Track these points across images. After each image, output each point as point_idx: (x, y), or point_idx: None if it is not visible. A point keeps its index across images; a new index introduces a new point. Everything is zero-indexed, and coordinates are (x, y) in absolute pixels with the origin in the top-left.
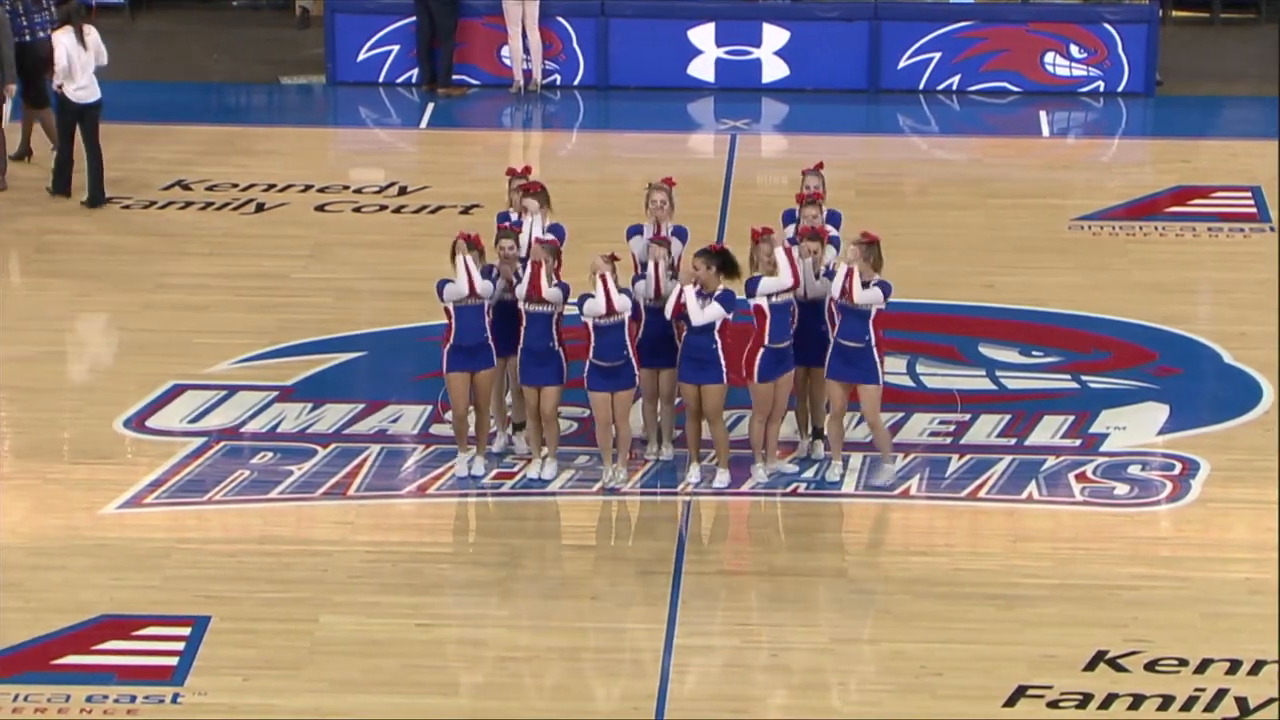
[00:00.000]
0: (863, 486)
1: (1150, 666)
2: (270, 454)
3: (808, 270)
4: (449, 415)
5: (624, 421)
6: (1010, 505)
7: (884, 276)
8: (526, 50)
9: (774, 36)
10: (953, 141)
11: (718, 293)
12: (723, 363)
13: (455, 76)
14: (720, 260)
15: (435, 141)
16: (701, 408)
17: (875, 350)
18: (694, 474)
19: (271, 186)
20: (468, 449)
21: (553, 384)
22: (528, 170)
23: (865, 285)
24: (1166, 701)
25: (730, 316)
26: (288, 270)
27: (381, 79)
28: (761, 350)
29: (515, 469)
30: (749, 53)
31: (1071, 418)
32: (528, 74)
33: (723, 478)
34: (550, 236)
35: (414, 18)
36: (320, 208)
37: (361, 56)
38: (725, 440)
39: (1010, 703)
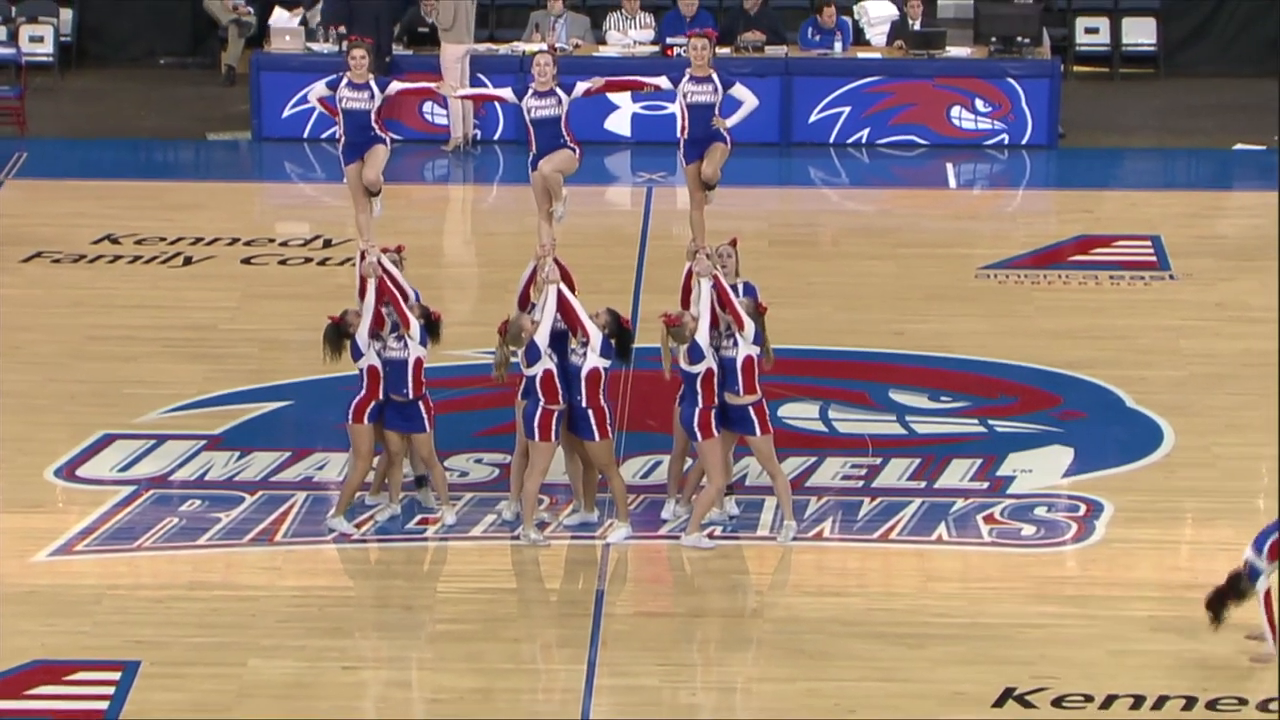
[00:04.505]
0: (778, 529)
1: (1057, 703)
2: (198, 501)
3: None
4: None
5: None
6: (921, 546)
7: (797, 323)
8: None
9: None
10: (863, 193)
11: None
12: (592, 419)
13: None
14: (617, 329)
15: None
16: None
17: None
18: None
19: (199, 240)
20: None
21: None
22: (400, 249)
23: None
24: None
25: (604, 366)
26: (215, 321)
27: (306, 134)
28: (712, 411)
29: (437, 514)
30: (664, 108)
31: (979, 461)
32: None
33: (619, 532)
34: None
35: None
36: (247, 260)
37: (286, 113)
38: (623, 493)
39: None
